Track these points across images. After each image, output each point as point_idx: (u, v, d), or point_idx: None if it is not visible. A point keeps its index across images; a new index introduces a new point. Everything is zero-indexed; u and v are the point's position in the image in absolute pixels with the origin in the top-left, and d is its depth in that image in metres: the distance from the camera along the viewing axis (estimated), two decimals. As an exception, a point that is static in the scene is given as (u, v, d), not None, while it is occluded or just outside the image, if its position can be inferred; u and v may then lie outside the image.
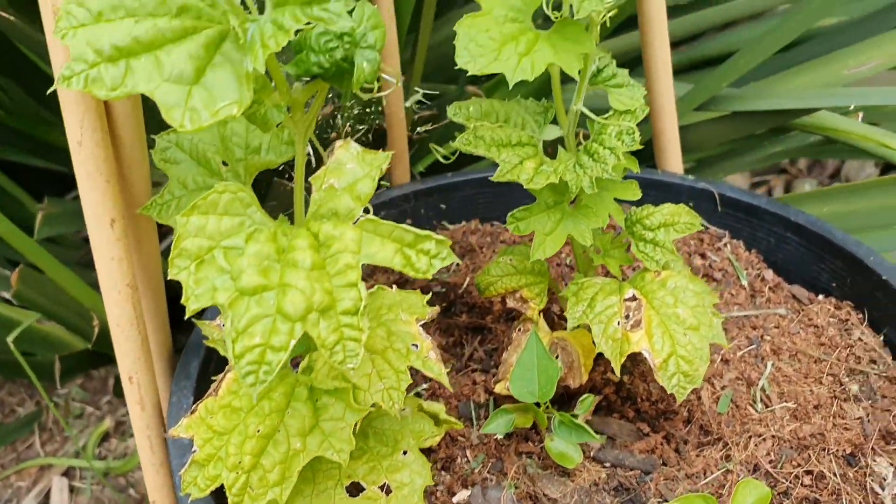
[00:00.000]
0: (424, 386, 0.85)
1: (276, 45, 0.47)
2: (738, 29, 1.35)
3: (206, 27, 0.51)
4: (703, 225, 0.98)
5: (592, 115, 0.73)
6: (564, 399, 0.83)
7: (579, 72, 0.69)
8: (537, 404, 0.76)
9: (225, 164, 0.71)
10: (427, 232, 0.53)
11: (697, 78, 1.24)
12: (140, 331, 0.71)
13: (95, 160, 0.64)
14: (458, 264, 1.00)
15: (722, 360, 0.85)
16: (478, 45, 0.66)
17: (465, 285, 0.96)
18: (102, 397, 1.34)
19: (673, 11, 1.23)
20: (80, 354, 1.09)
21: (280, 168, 0.75)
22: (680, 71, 1.35)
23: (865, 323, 0.87)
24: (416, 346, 0.68)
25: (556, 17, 0.68)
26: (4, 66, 1.09)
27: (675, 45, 1.32)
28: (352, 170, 0.58)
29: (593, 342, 0.73)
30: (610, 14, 0.68)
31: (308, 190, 0.60)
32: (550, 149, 0.76)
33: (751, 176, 1.69)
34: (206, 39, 0.50)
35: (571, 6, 0.66)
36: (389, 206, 1.00)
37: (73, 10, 0.52)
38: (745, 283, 0.93)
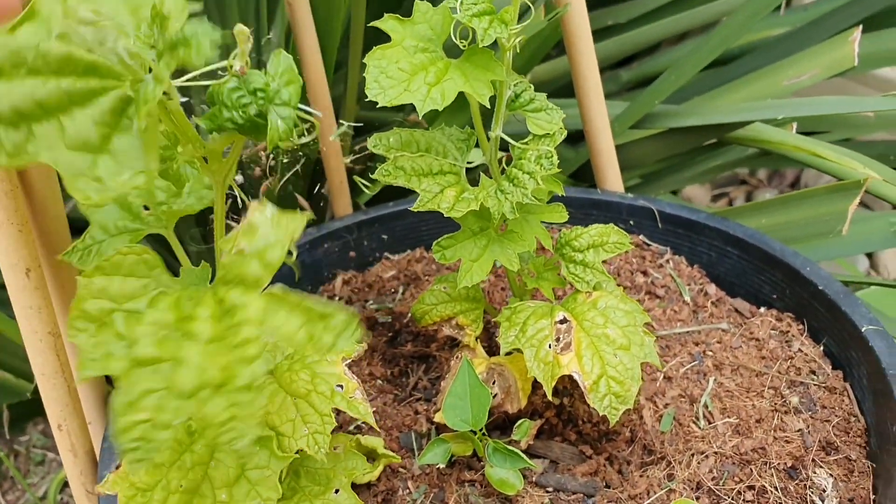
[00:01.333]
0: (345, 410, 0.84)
1: (155, 98, 0.46)
2: (687, 43, 1.36)
3: (113, 87, 0.49)
4: (644, 242, 0.98)
5: (511, 141, 0.73)
6: (506, 424, 0.82)
7: (494, 98, 0.69)
8: (473, 431, 0.75)
9: (146, 208, 0.70)
10: (336, 306, 0.52)
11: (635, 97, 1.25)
12: (66, 378, 0.71)
13: (5, 210, 0.63)
14: (403, 293, 0.99)
15: (664, 377, 0.85)
16: (388, 76, 0.66)
17: (409, 314, 0.96)
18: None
19: (611, 30, 1.24)
20: (30, 401, 1.08)
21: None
22: (630, 88, 1.35)
23: (805, 333, 0.86)
24: (341, 386, 0.67)
25: (464, 46, 0.68)
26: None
27: (623, 62, 1.33)
28: (265, 234, 0.54)
29: (529, 366, 0.73)
30: (518, 40, 0.68)
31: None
32: (479, 174, 0.76)
33: (711, 188, 1.70)
34: (113, 102, 0.48)
35: (478, 34, 0.66)
36: (332, 237, 1.00)
37: (-33, 64, 0.51)
38: (687, 298, 0.93)
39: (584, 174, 1.03)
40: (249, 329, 0.51)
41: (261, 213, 0.56)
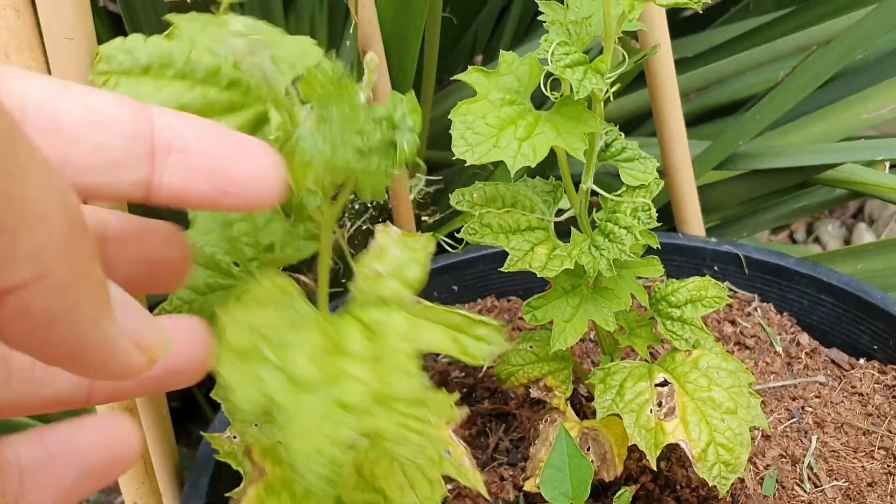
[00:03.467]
0: (449, 486, 0.80)
1: (307, 180, 0.44)
2: (746, 76, 1.32)
3: (252, 104, 0.49)
4: (730, 289, 0.93)
5: (604, 193, 0.69)
6: (599, 491, 0.78)
7: (585, 151, 0.66)
8: (570, 504, 0.70)
9: (236, 265, 0.67)
10: (480, 317, 0.49)
11: (712, 129, 1.21)
12: (142, 454, 0.67)
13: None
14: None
15: (763, 436, 0.80)
16: (475, 132, 0.63)
17: (484, 368, 0.91)
18: (117, 496, 1.30)
19: (678, 64, 1.20)
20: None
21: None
22: (690, 122, 1.31)
23: (914, 388, 0.81)
24: (449, 451, 0.63)
25: (555, 97, 0.64)
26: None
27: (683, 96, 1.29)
28: (396, 255, 0.54)
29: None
30: (613, 89, 0.64)
31: (310, 288, 0.56)
32: (566, 226, 0.72)
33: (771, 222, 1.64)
34: (252, 117, 0.48)
35: (571, 86, 0.62)
36: (400, 290, 0.96)
37: (116, 55, 0.49)
38: (779, 349, 0.88)
39: (662, 217, 0.99)
40: (401, 344, 0.49)
41: (387, 234, 0.54)
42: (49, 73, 0.55)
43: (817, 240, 1.66)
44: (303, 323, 0.49)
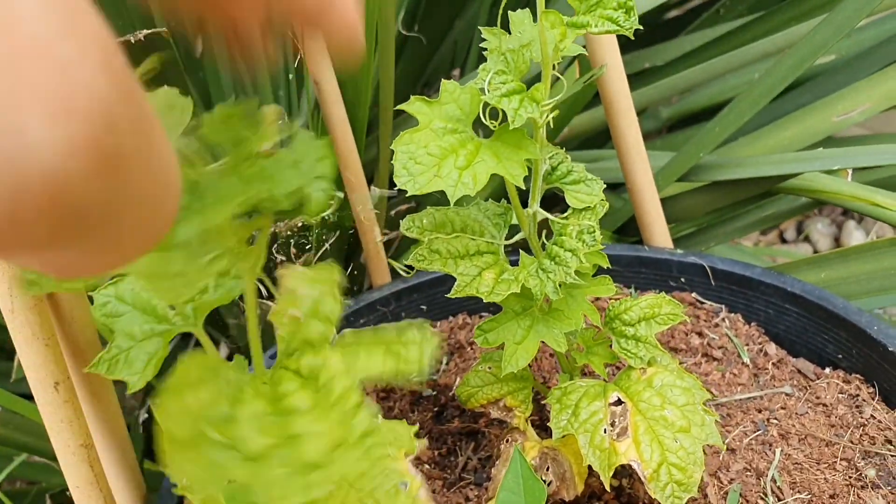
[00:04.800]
0: (412, 509, 0.80)
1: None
2: (727, 78, 1.31)
3: None
4: (697, 300, 0.93)
5: (550, 216, 0.70)
6: (563, 509, 0.78)
7: (527, 179, 0.66)
8: (528, 525, 0.71)
9: (172, 308, 0.68)
10: (404, 324, 0.50)
11: (688, 136, 1.20)
12: (102, 489, 0.68)
13: (31, 326, 0.61)
14: (447, 363, 0.96)
15: (728, 449, 0.80)
16: (416, 162, 0.63)
17: (455, 386, 0.92)
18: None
19: (649, 73, 1.20)
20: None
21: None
22: (672, 125, 1.31)
23: (877, 398, 0.81)
24: (406, 484, 0.63)
25: (494, 126, 0.65)
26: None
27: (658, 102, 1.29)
28: (307, 294, 0.54)
29: (583, 451, 0.69)
30: (552, 115, 0.64)
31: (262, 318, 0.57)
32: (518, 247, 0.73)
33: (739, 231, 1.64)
34: None
35: (508, 115, 0.62)
36: (368, 311, 0.97)
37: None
38: (746, 360, 0.88)
39: (629, 230, 0.99)
40: (340, 382, 0.49)
41: (290, 276, 0.55)
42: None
43: (807, 238, 1.66)
44: (239, 394, 0.49)
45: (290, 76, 1.06)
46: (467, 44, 1.39)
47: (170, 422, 0.49)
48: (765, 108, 1.09)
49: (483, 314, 1.01)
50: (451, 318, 1.00)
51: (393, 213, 1.04)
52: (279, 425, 0.48)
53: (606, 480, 0.68)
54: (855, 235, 1.58)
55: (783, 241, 1.66)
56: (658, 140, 1.29)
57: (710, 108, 1.25)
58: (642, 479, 0.67)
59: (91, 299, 0.67)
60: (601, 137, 1.17)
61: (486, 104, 0.64)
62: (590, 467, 0.77)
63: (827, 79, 1.13)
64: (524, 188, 0.66)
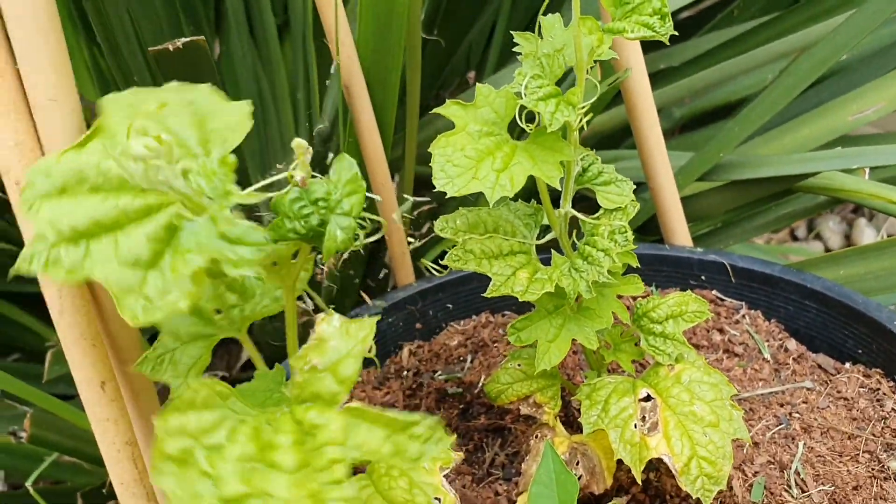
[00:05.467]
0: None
1: (190, 266, 0.45)
2: (740, 78, 1.33)
3: (169, 203, 0.49)
4: (718, 297, 0.95)
5: (582, 216, 0.71)
6: (591, 503, 0.80)
7: (562, 181, 0.68)
8: (560, 519, 0.73)
9: (219, 311, 0.69)
10: (417, 416, 0.50)
11: (703, 135, 1.22)
12: (145, 485, 0.70)
13: (79, 327, 0.63)
14: (472, 361, 0.98)
15: (752, 442, 0.82)
16: (454, 164, 0.65)
17: (480, 384, 0.94)
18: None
19: (665, 74, 1.21)
20: (103, 485, 1.08)
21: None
22: (685, 126, 1.33)
23: (898, 391, 0.83)
24: (439, 500, 0.65)
25: (531, 129, 0.66)
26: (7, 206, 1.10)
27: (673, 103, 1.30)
28: (335, 347, 0.53)
29: (614, 445, 0.71)
30: (585, 119, 0.66)
31: (302, 335, 0.58)
32: (549, 247, 0.74)
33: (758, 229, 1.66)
34: (168, 218, 0.49)
35: (545, 118, 0.64)
36: (396, 309, 0.98)
37: (36, 182, 0.51)
38: (767, 355, 0.90)
39: (649, 228, 1.01)
40: (333, 450, 0.50)
41: (328, 324, 0.55)
42: (36, 134, 0.57)
43: (818, 236, 1.67)
44: (237, 429, 0.50)
45: (311, 78, 1.08)
46: (481, 48, 1.40)
47: (166, 436, 0.50)
48: (773, 114, 1.11)
49: (506, 312, 1.03)
50: (474, 316, 1.02)
51: (415, 213, 1.06)
52: (259, 477, 0.49)
53: (638, 474, 0.69)
54: (866, 233, 1.60)
55: (794, 238, 1.67)
56: (672, 140, 1.31)
57: (722, 109, 1.27)
58: (673, 472, 0.69)
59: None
60: (618, 137, 1.19)
61: (521, 107, 0.66)
62: (618, 462, 0.79)
63: (841, 78, 1.14)
64: (557, 189, 0.67)
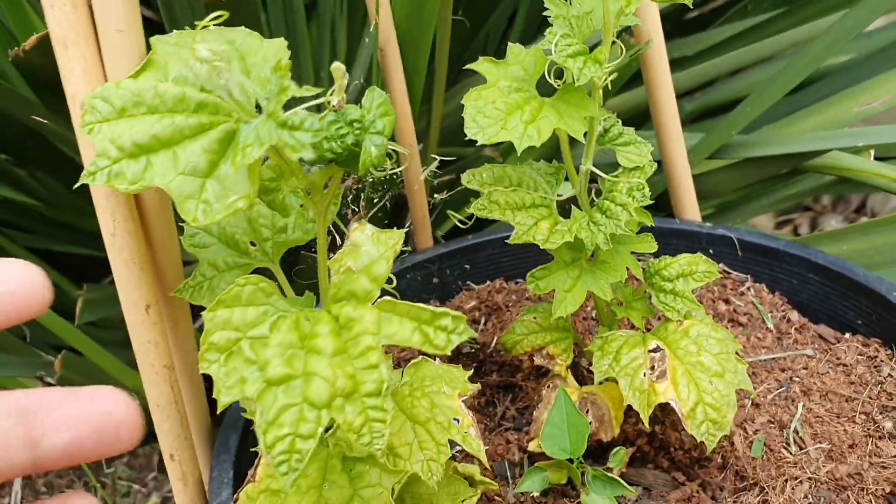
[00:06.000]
0: (458, 448, 0.86)
1: (250, 158, 0.49)
2: (749, 73, 1.37)
3: (222, 122, 0.54)
4: (724, 270, 0.99)
5: (602, 174, 0.75)
6: (598, 453, 0.83)
7: (585, 134, 0.72)
8: (570, 460, 0.76)
9: (253, 244, 0.74)
10: (443, 309, 0.55)
11: (710, 126, 1.26)
12: (179, 409, 0.74)
13: (129, 249, 0.67)
14: (485, 323, 1.01)
15: (752, 404, 0.86)
16: (485, 116, 0.69)
17: (493, 344, 0.97)
18: (148, 474, 1.37)
19: (679, 62, 1.26)
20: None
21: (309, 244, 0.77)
22: (694, 119, 1.37)
23: (895, 359, 0.87)
24: (458, 420, 0.69)
25: (559, 85, 0.71)
26: (41, 161, 1.14)
27: (686, 93, 1.35)
28: (367, 251, 0.58)
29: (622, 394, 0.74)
30: (611, 77, 0.70)
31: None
32: (567, 205, 0.78)
33: (775, 216, 1.70)
34: (221, 134, 0.53)
35: (573, 74, 0.68)
36: (415, 269, 1.02)
37: (97, 105, 0.55)
38: (770, 325, 0.94)
39: (661, 204, 1.05)
40: (367, 338, 0.55)
41: (361, 232, 0.60)
42: (102, 62, 0.62)
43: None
44: (279, 321, 0.55)
45: (339, 58, 1.12)
46: (500, 33, 1.45)
47: (213, 328, 0.54)
48: (788, 98, 1.15)
49: (518, 280, 1.07)
50: (489, 281, 1.06)
51: (436, 182, 1.10)
52: (301, 360, 0.53)
53: (645, 418, 0.73)
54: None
55: (797, 235, 1.71)
56: (685, 131, 1.35)
57: (731, 103, 1.31)
58: (680, 415, 0.72)
59: (181, 229, 0.73)
60: (634, 121, 1.23)
61: (551, 65, 0.70)
62: (625, 414, 0.83)
63: (849, 73, 1.18)
64: (580, 143, 0.72)
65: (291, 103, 0.51)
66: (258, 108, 0.54)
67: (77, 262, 1.32)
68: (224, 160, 0.53)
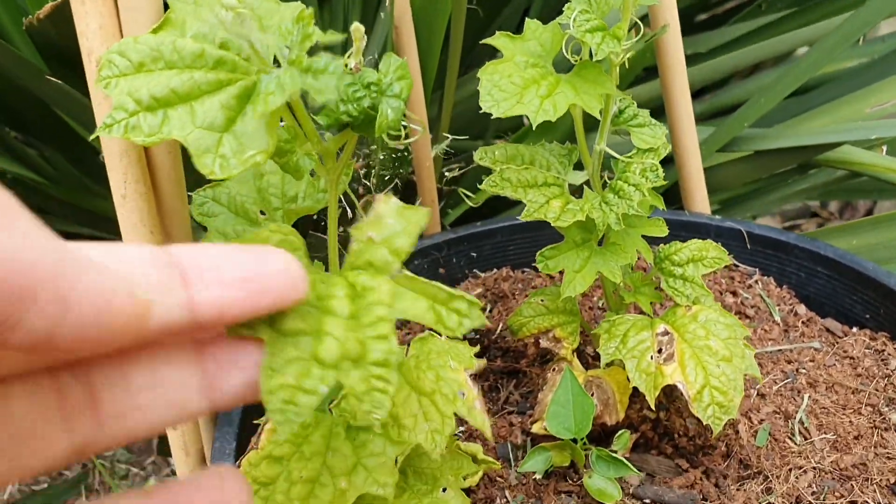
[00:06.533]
0: (462, 428, 0.85)
1: (273, 105, 0.49)
2: (759, 76, 1.37)
3: (239, 79, 0.54)
4: (733, 263, 0.99)
5: (616, 155, 0.75)
6: (602, 437, 0.83)
7: (601, 112, 0.71)
8: (574, 441, 0.76)
9: (262, 213, 0.73)
10: (460, 291, 0.54)
11: (721, 122, 1.26)
12: None
13: (140, 212, 0.67)
14: (491, 310, 1.01)
15: (758, 394, 0.85)
16: (501, 89, 0.69)
17: (498, 330, 0.97)
18: (147, 457, 1.36)
19: (692, 59, 1.26)
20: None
21: (315, 217, 0.77)
22: (706, 117, 1.37)
23: (902, 352, 0.86)
24: (464, 393, 0.68)
25: (576, 61, 0.70)
26: (49, 137, 1.14)
27: (699, 92, 1.35)
28: (391, 224, 0.57)
29: (628, 379, 0.74)
30: (628, 55, 0.70)
31: (343, 240, 0.62)
32: (578, 191, 0.78)
33: (782, 220, 1.70)
34: (239, 90, 0.53)
35: (591, 49, 0.68)
36: (422, 255, 1.02)
37: (115, 60, 0.55)
38: (777, 318, 0.93)
39: (670, 197, 1.05)
40: (381, 309, 0.54)
41: (387, 204, 0.59)
42: (118, 14, 0.62)
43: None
44: None
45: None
46: (514, 26, 1.45)
47: None
48: (800, 98, 1.15)
49: (525, 269, 1.06)
50: (495, 269, 1.06)
51: (445, 170, 1.10)
52: (314, 318, 0.51)
53: (651, 400, 0.73)
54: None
55: (801, 242, 1.71)
56: (698, 127, 1.35)
57: (743, 103, 1.32)
58: (686, 398, 0.72)
59: (190, 198, 0.73)
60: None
61: (569, 41, 0.70)
62: (630, 399, 0.82)
63: (861, 76, 1.18)
64: (595, 122, 0.71)
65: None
66: (276, 64, 0.54)
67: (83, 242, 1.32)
68: (242, 116, 0.53)
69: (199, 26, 0.57)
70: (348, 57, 0.57)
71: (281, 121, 0.62)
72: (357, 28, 0.56)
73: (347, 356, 0.53)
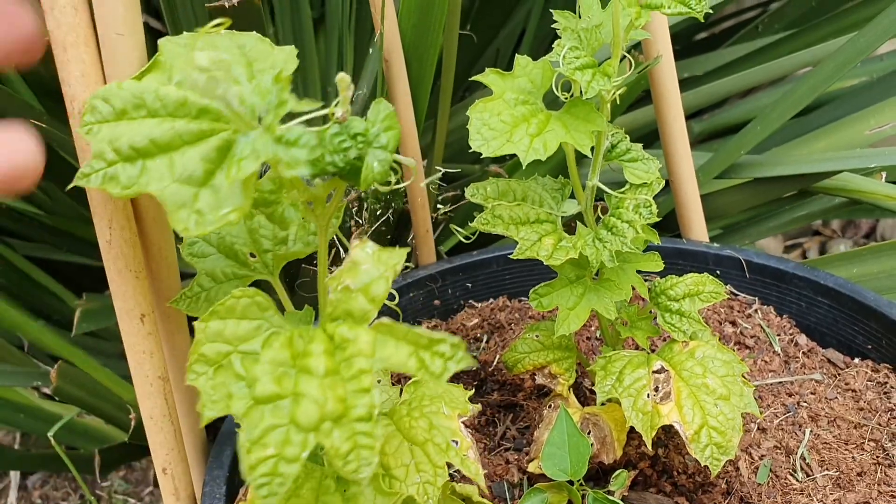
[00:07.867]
0: (457, 468, 0.84)
1: (245, 172, 0.48)
2: (758, 95, 1.36)
3: (221, 130, 0.53)
4: (731, 292, 0.97)
5: (608, 190, 0.74)
6: (599, 475, 0.82)
7: (593, 149, 0.70)
8: (570, 482, 0.75)
9: (253, 255, 0.72)
10: (442, 334, 0.53)
11: (718, 146, 1.25)
12: (173, 422, 0.72)
13: (125, 258, 0.66)
14: (487, 341, 1.00)
15: (759, 428, 0.84)
16: (490, 128, 0.68)
17: (495, 362, 0.96)
18: (144, 488, 1.35)
19: (688, 82, 1.25)
20: (119, 447, 1.10)
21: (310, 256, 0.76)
22: (702, 140, 1.36)
23: (904, 385, 0.85)
24: (456, 442, 0.67)
25: (566, 98, 0.69)
26: (44, 168, 1.13)
27: (695, 114, 1.34)
28: (367, 270, 0.56)
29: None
30: (620, 92, 0.69)
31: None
32: (573, 223, 0.77)
33: (784, 239, 1.68)
34: (220, 142, 0.52)
35: (581, 87, 0.67)
36: (416, 286, 1.01)
37: (98, 106, 0.54)
38: (778, 349, 0.92)
39: (667, 224, 1.03)
40: (361, 361, 0.53)
41: (362, 249, 0.58)
42: (101, 65, 0.61)
43: (828, 260, 1.69)
44: (272, 337, 0.53)
45: (345, 71, 1.11)
46: (509, 53, 1.44)
47: (205, 339, 0.53)
48: (798, 120, 1.14)
49: (521, 298, 1.05)
50: (491, 299, 1.05)
51: (440, 198, 1.09)
52: (291, 380, 0.51)
53: (648, 441, 0.72)
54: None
55: (805, 259, 1.70)
56: (695, 151, 1.34)
57: (740, 125, 1.30)
58: (684, 439, 0.71)
59: (179, 238, 0.72)
60: (641, 139, 1.22)
61: (559, 78, 0.69)
62: (628, 436, 0.81)
63: (860, 97, 1.17)
64: (586, 158, 0.70)
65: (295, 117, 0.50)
66: (261, 119, 0.53)
67: (77, 271, 1.31)
68: (220, 170, 0.52)
69: (185, 72, 0.55)
70: (335, 106, 0.56)
71: (267, 168, 0.61)
72: (342, 78, 0.55)
73: (328, 416, 0.51)
